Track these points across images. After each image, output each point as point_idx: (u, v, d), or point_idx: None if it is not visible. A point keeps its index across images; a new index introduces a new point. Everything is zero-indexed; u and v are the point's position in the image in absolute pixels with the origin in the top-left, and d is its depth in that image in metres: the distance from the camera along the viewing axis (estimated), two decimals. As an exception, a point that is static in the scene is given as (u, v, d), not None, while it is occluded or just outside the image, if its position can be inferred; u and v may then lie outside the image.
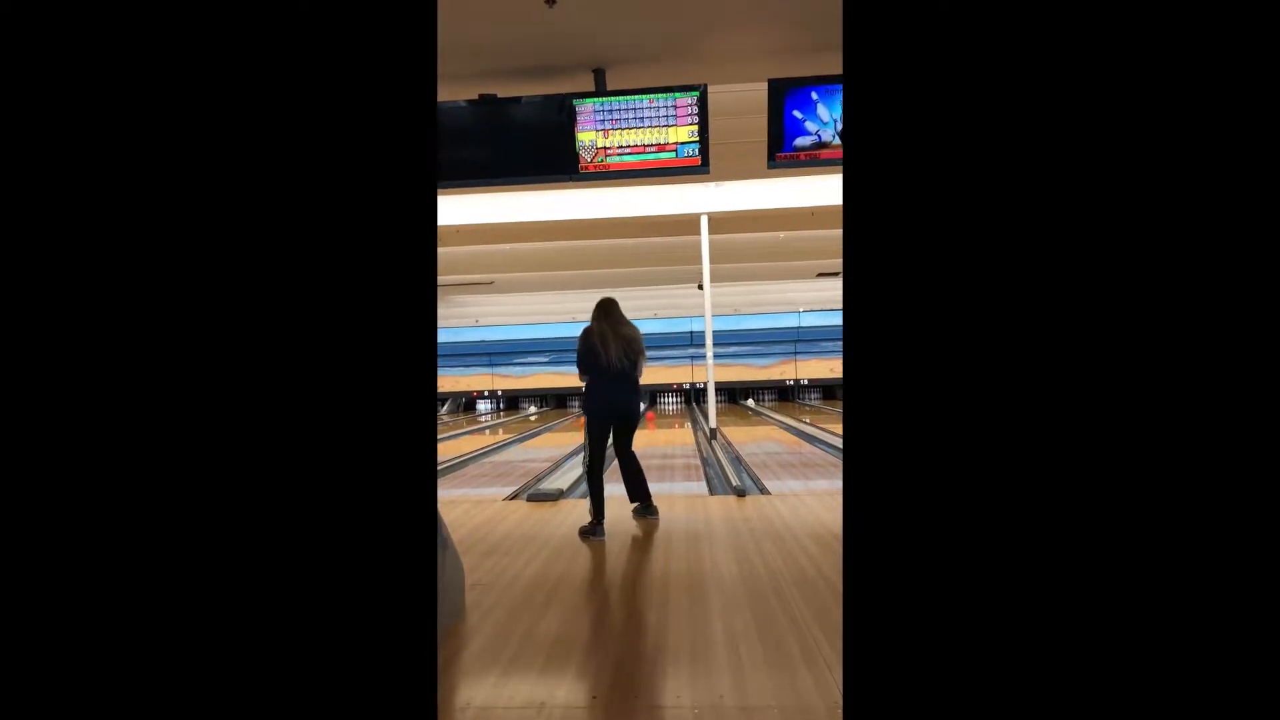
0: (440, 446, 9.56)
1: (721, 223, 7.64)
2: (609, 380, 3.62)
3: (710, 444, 7.81)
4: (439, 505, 2.36)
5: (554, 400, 16.80)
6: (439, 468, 7.14)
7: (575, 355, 3.74)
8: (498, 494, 5.28)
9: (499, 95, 3.55)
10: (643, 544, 3.32)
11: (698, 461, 7.22)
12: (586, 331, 3.68)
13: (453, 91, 3.55)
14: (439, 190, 4.12)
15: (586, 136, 3.52)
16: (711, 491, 5.28)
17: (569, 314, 13.83)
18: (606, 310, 3.74)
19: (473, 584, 2.66)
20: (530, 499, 4.63)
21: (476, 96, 3.56)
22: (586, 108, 3.50)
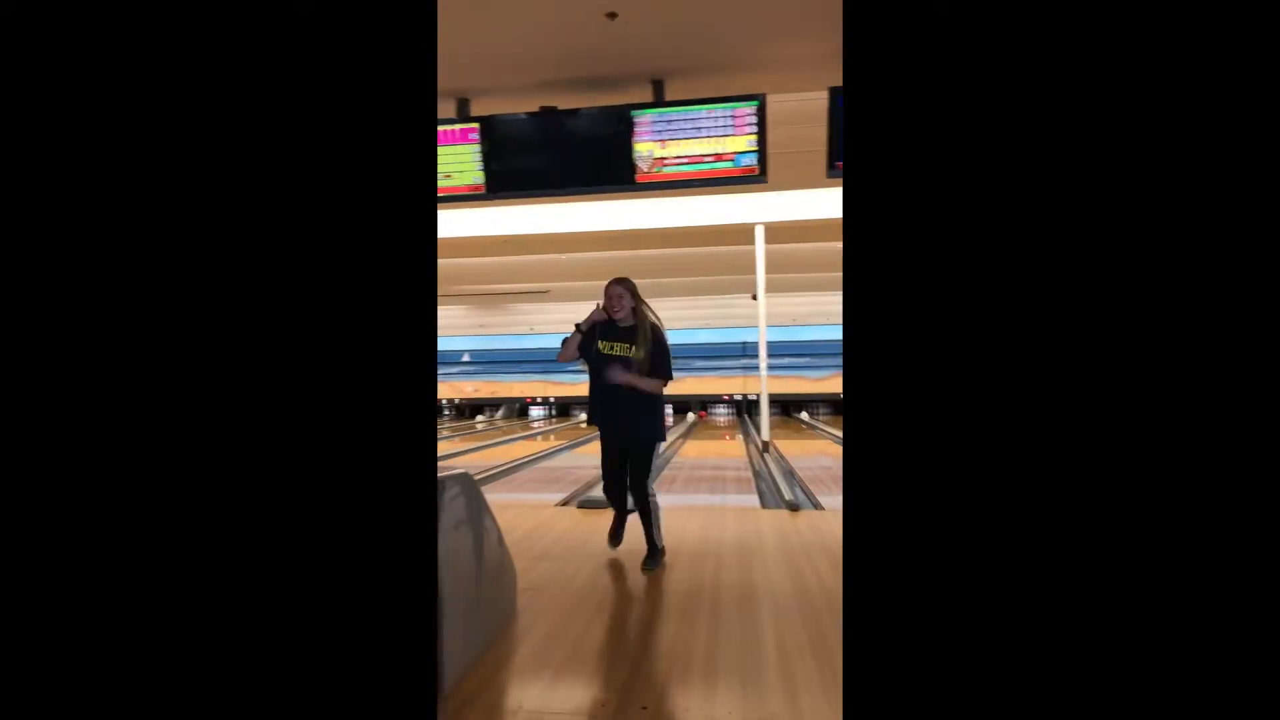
0: (494, 451, 9.70)
1: (778, 232, 7.58)
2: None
3: (762, 457, 7.72)
4: (493, 509, 2.39)
5: (605, 408, 16.85)
6: (493, 471, 7.25)
7: (666, 358, 2.95)
8: (549, 500, 5.32)
9: (559, 107, 3.61)
10: (694, 556, 3.30)
11: (749, 474, 7.15)
12: (654, 321, 2.98)
13: (514, 104, 3.62)
14: (495, 201, 4.15)
15: (644, 147, 3.53)
16: (764, 505, 5.22)
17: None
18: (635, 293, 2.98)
19: (524, 588, 2.68)
20: (581, 505, 4.65)
21: (538, 108, 3.62)
22: (645, 118, 3.52)
